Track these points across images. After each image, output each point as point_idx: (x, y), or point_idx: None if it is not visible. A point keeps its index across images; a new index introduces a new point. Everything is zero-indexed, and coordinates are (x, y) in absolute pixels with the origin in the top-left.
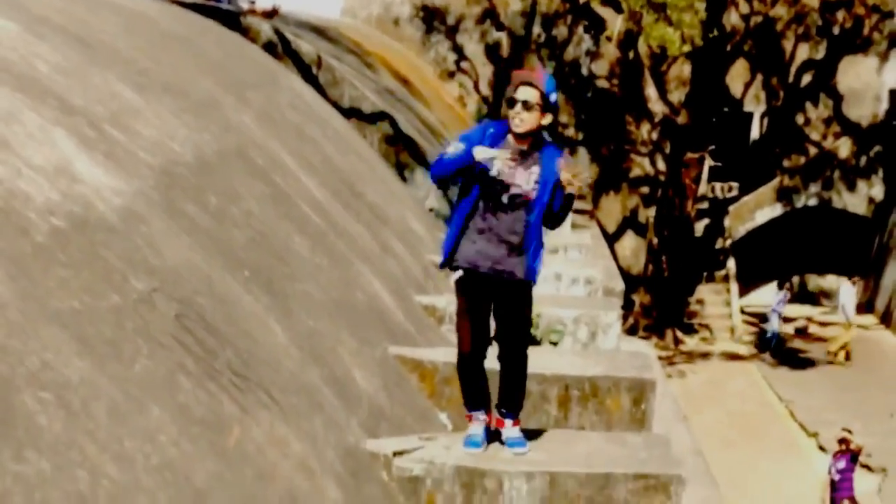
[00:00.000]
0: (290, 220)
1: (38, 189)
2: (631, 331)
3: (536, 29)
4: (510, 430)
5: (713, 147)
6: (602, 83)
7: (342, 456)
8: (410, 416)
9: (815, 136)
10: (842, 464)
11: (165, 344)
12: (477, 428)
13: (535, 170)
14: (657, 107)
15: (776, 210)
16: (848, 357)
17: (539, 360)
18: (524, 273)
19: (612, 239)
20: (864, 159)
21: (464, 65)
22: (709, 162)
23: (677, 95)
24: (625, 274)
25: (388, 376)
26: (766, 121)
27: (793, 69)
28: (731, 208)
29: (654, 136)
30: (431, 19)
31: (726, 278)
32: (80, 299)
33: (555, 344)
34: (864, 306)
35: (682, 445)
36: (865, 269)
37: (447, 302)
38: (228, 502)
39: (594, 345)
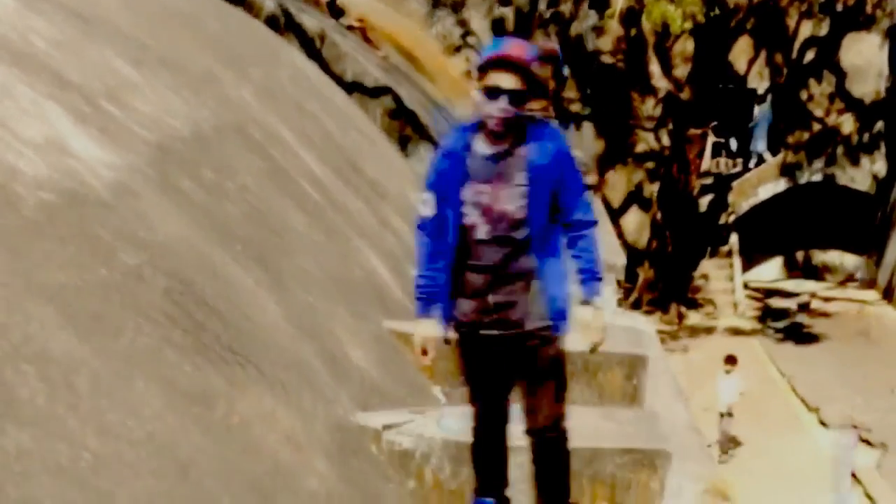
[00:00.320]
0: (288, 195)
1: (29, 163)
2: (635, 305)
3: (542, 4)
4: None
5: (716, 123)
6: (607, 59)
7: (331, 429)
8: (404, 391)
9: (818, 112)
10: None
11: (153, 318)
12: None
13: (520, 176)
14: (661, 82)
15: (780, 186)
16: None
17: None
18: (539, 317)
19: (616, 214)
20: (867, 136)
21: (470, 40)
22: (712, 138)
23: (681, 71)
24: (629, 248)
25: (383, 351)
26: (769, 97)
27: (796, 46)
28: (734, 184)
29: (659, 111)
30: None
31: (729, 254)
32: (66, 273)
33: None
34: (867, 282)
35: (678, 421)
36: (868, 245)
37: None
38: (213, 476)
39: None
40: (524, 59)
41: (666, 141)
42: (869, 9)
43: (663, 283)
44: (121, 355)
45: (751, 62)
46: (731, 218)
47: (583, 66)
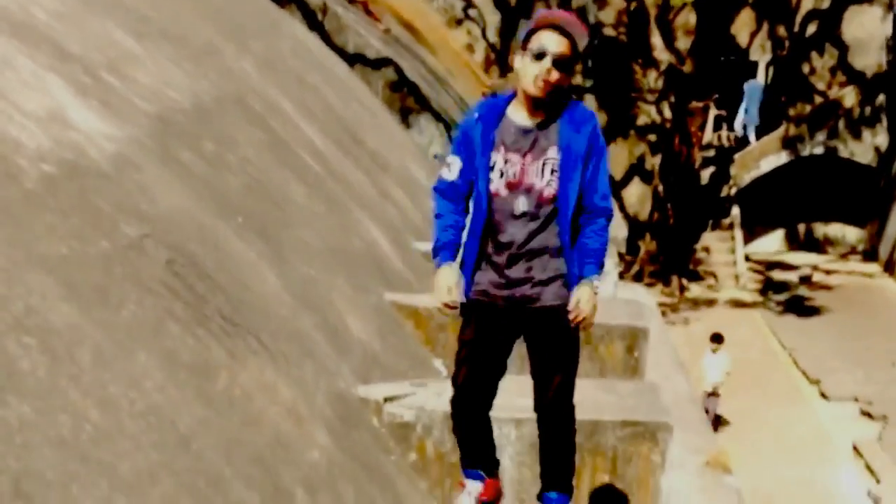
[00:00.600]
0: (288, 166)
1: (30, 135)
2: (636, 277)
3: None
4: None
5: (718, 96)
6: (609, 31)
7: (332, 402)
8: (405, 363)
9: (820, 85)
10: None
11: (154, 290)
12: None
13: (552, 151)
14: (663, 55)
15: (781, 158)
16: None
17: None
18: (556, 294)
19: (618, 186)
20: (868, 108)
21: (471, 12)
22: (714, 111)
23: (683, 44)
24: (630, 221)
25: (383, 323)
26: (771, 70)
27: (798, 18)
28: (736, 156)
29: (660, 84)
30: None
31: (731, 226)
32: (68, 245)
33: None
34: (868, 254)
35: (679, 393)
36: (870, 217)
37: None
38: (214, 448)
39: None
40: (577, 25)
41: (668, 113)
42: None
43: (665, 256)
44: (122, 327)
45: (753, 35)
46: (733, 190)
47: None
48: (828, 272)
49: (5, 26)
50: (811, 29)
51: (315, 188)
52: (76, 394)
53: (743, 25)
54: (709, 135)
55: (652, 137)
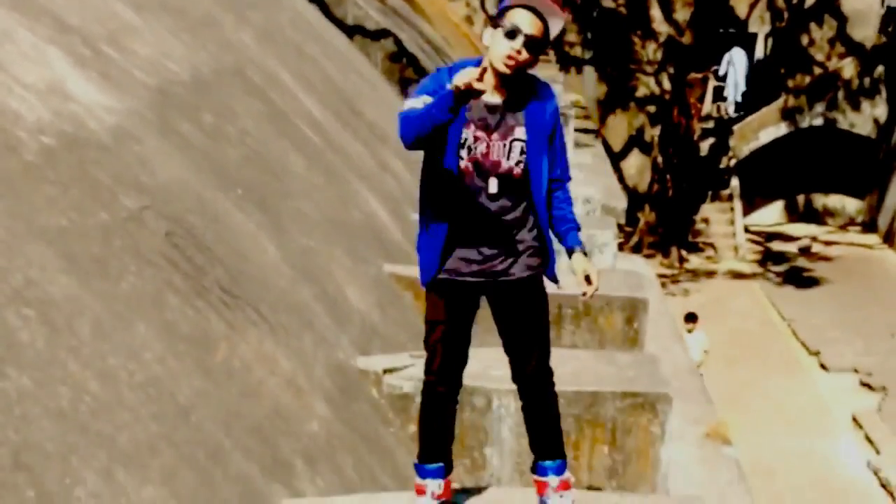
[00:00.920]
0: (287, 138)
1: (30, 108)
2: (635, 249)
3: None
4: (558, 501)
5: (717, 67)
6: (608, 3)
7: (332, 373)
8: (404, 334)
9: (819, 56)
10: None
11: (154, 262)
12: None
13: (520, 131)
14: (662, 27)
15: (781, 130)
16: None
17: None
18: (526, 266)
19: (617, 157)
20: (867, 80)
21: None
22: (713, 82)
23: (682, 15)
24: (630, 192)
25: (383, 294)
26: (770, 41)
27: None
28: (735, 128)
29: (659, 55)
30: None
31: (730, 197)
32: (67, 217)
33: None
34: (867, 225)
35: (678, 364)
36: (869, 189)
37: None
38: (213, 419)
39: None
40: (553, 8)
41: (667, 85)
42: None
43: (664, 227)
44: (122, 299)
45: (752, 6)
46: (732, 162)
47: (584, 10)
48: (827, 243)
49: None
50: (810, 0)
51: (314, 160)
52: (75, 365)
53: None
54: (708, 106)
55: (651, 109)
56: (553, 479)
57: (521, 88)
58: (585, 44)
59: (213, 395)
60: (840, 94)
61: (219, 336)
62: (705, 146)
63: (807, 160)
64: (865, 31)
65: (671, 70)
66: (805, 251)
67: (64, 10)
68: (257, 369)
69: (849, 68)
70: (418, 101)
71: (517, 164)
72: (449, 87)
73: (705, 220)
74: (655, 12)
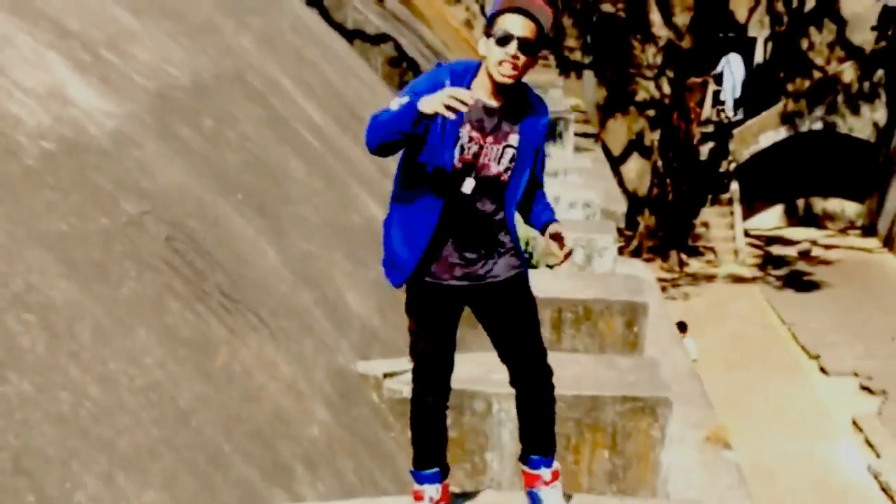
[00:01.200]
0: (287, 143)
1: (30, 112)
2: (635, 252)
3: None
4: (549, 493)
5: (717, 71)
6: (607, 7)
7: (332, 378)
8: (404, 339)
9: (818, 60)
10: None
11: (154, 266)
12: None
13: (513, 138)
14: (662, 31)
15: (780, 134)
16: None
17: (533, 283)
18: (509, 266)
19: (617, 161)
20: (867, 84)
21: None
22: (712, 86)
23: (682, 19)
24: (630, 196)
25: (383, 298)
26: (769, 45)
27: None
28: (735, 132)
29: (659, 60)
30: None
31: (730, 201)
32: (68, 222)
33: (551, 267)
34: (867, 229)
35: (678, 368)
36: (868, 192)
37: None
38: (214, 424)
39: (590, 268)
40: (542, 7)
41: (666, 89)
42: None
43: (664, 231)
44: (122, 304)
45: (751, 10)
46: (732, 166)
47: (584, 14)
48: (827, 247)
49: (5, 3)
50: (809, 4)
51: (314, 164)
52: (76, 370)
53: (741, 1)
54: (707, 110)
55: (651, 113)
56: (545, 472)
57: (517, 95)
58: (585, 48)
59: (214, 399)
60: (840, 98)
61: (219, 340)
62: (705, 150)
63: (806, 164)
64: (865, 35)
65: (671, 74)
66: (805, 255)
67: (63, 15)
68: (258, 374)
69: (848, 72)
70: (395, 103)
71: (506, 170)
72: (420, 106)
73: (705, 224)
74: (655, 16)
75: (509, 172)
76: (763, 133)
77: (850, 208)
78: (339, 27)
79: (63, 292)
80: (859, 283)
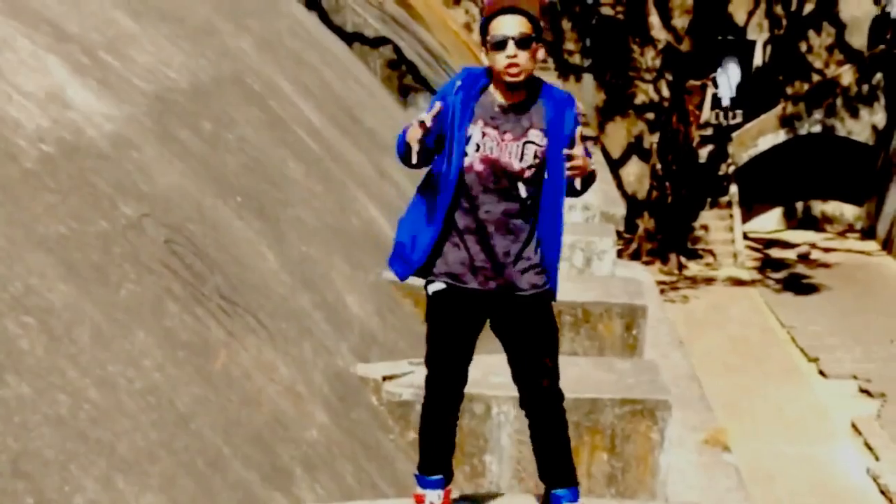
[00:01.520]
0: (286, 145)
1: (29, 116)
2: (634, 255)
3: None
4: None
5: (715, 74)
6: (606, 10)
7: (331, 381)
8: (404, 341)
9: (817, 63)
10: None
11: (153, 269)
12: None
13: (535, 134)
14: (661, 34)
15: (779, 137)
16: None
17: None
18: (532, 277)
19: (616, 164)
20: (866, 87)
21: None
22: (711, 89)
23: (681, 22)
24: (629, 199)
25: (382, 301)
26: (768, 48)
27: None
28: (734, 135)
29: (658, 63)
30: None
31: (729, 204)
32: (67, 225)
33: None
34: (866, 232)
35: (677, 371)
36: (867, 195)
37: None
38: (213, 427)
39: (589, 271)
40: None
41: (665, 92)
42: None
43: (663, 234)
44: (121, 307)
45: (750, 13)
46: (731, 169)
47: (583, 17)
48: (826, 250)
49: (4, 7)
50: (808, 7)
51: (313, 167)
52: (75, 373)
53: (740, 4)
54: (706, 113)
55: (650, 116)
56: None
57: (533, 91)
58: (584, 51)
59: (213, 402)
60: (838, 101)
61: (218, 343)
62: (704, 153)
63: (805, 167)
64: (863, 39)
65: (670, 77)
66: (804, 258)
67: (63, 19)
68: (257, 377)
69: (847, 75)
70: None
71: (529, 167)
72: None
73: (704, 227)
74: (654, 19)
75: (532, 171)
76: (762, 136)
77: (849, 211)
78: (337, 30)
79: (62, 295)
80: (858, 286)
